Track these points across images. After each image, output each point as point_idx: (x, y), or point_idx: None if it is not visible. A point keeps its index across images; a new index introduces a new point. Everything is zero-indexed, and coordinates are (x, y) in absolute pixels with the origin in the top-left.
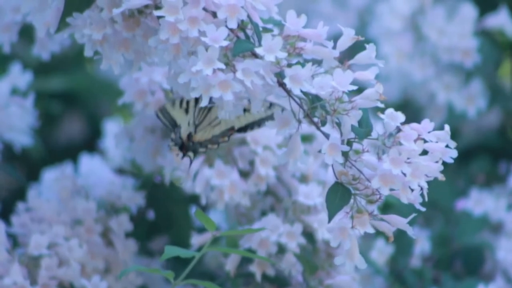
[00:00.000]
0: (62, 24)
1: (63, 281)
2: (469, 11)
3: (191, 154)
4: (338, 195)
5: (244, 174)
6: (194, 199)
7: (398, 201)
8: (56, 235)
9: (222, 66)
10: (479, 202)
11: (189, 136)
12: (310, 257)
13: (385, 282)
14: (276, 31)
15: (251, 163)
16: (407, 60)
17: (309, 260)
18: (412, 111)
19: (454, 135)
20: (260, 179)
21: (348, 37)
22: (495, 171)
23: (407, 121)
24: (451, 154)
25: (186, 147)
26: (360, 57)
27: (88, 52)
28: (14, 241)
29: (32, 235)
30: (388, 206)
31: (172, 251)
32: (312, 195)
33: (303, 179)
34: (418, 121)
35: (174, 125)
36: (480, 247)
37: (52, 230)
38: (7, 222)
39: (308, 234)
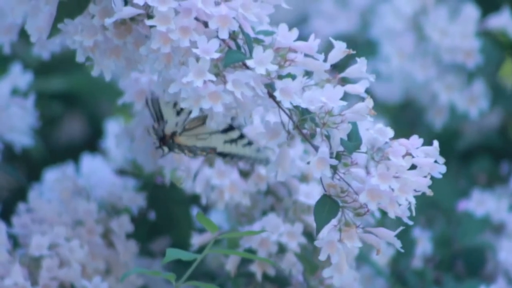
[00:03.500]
0: (54, 30)
1: (64, 282)
2: (471, 12)
3: (165, 148)
4: (326, 208)
5: (245, 174)
6: (195, 199)
7: None
8: (57, 235)
9: (213, 77)
10: (480, 203)
11: (173, 134)
12: (310, 256)
13: (386, 283)
14: (269, 40)
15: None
16: (409, 60)
17: (309, 260)
18: (413, 111)
19: (455, 136)
20: (261, 179)
21: (340, 51)
22: (497, 172)
23: (409, 120)
24: (440, 170)
25: (165, 142)
26: (351, 71)
27: (79, 58)
28: (15, 241)
29: (33, 236)
30: None
31: (173, 253)
32: (312, 194)
33: (304, 178)
34: (420, 122)
35: (160, 118)
36: (482, 248)
37: (53, 230)
38: (8, 222)
39: (309, 234)
